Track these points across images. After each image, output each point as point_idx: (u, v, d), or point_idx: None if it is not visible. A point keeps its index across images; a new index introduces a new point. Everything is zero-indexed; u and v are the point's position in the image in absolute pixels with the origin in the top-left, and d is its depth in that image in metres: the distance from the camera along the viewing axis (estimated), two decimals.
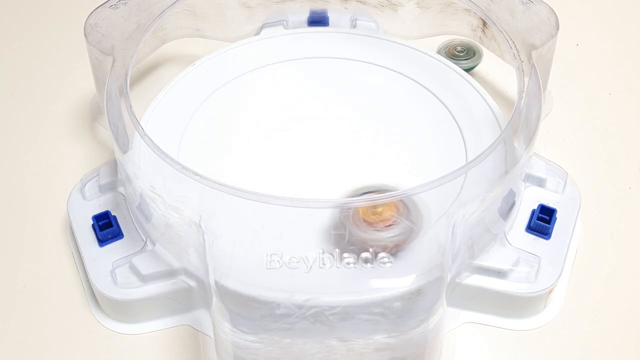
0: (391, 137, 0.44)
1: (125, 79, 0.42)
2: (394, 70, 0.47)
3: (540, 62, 0.43)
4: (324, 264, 0.36)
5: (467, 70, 0.49)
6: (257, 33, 0.51)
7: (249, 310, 0.34)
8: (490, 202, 0.38)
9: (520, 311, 0.40)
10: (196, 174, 0.36)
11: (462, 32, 0.50)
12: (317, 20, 0.52)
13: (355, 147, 0.43)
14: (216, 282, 0.35)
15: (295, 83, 0.47)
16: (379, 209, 0.37)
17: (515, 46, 0.43)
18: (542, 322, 0.40)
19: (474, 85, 0.46)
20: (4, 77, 0.54)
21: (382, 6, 0.51)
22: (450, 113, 0.45)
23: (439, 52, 0.51)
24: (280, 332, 0.34)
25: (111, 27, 0.45)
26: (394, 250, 0.36)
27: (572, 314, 0.41)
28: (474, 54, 0.51)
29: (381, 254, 0.36)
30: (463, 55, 0.51)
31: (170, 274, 0.39)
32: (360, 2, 0.51)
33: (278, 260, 0.36)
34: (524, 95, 0.41)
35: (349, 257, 0.36)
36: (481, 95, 0.45)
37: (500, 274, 0.39)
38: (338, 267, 0.36)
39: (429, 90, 0.46)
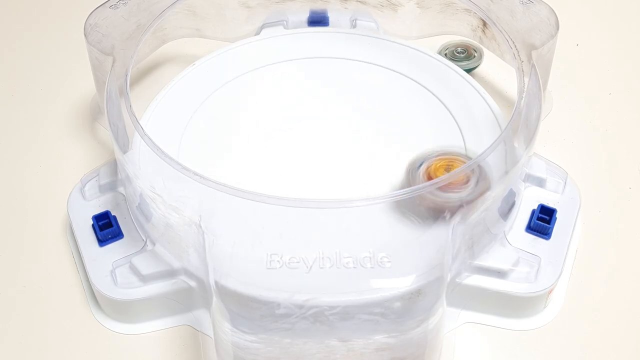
0: (391, 137, 0.44)
1: (125, 79, 0.42)
2: (394, 70, 0.47)
3: (540, 62, 0.43)
4: (324, 264, 0.36)
5: (468, 71, 0.49)
6: (257, 33, 0.51)
7: (249, 310, 0.34)
8: (491, 202, 0.38)
9: (520, 311, 0.40)
10: (196, 174, 0.36)
11: (462, 32, 0.50)
12: (317, 20, 0.52)
13: (355, 147, 0.43)
14: (216, 282, 0.35)
15: (295, 83, 0.47)
16: (452, 169, 0.39)
17: (515, 46, 0.43)
18: (542, 322, 0.40)
19: (474, 85, 0.46)
20: (4, 77, 0.54)
21: (382, 6, 0.51)
22: (450, 113, 0.45)
23: (439, 54, 0.51)
24: (280, 332, 0.34)
25: (111, 27, 0.45)
26: (465, 210, 0.36)
27: (572, 314, 0.41)
28: (475, 56, 0.51)
29: (381, 254, 0.36)
30: (464, 57, 0.51)
31: (170, 274, 0.39)
32: (360, 2, 0.51)
33: (278, 260, 0.36)
34: (524, 95, 0.41)
35: (348, 257, 0.36)
36: (481, 95, 0.45)
37: (500, 274, 0.39)
38: (338, 267, 0.36)
39: (429, 90, 0.46)
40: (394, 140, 0.44)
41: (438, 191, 0.37)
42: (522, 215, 0.42)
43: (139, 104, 0.44)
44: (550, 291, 0.40)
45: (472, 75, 0.48)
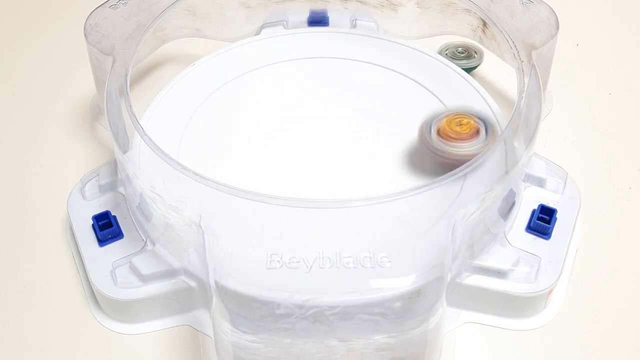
0: (391, 137, 0.44)
1: (125, 79, 0.42)
2: (394, 70, 0.48)
3: (540, 62, 0.43)
4: (323, 264, 0.36)
5: (468, 71, 0.49)
6: (257, 33, 0.51)
7: (249, 310, 0.34)
8: (491, 202, 0.38)
9: (520, 311, 0.40)
10: (196, 174, 0.36)
11: (462, 32, 0.50)
12: (317, 20, 0.52)
13: (355, 147, 0.43)
14: (216, 282, 0.35)
15: (295, 83, 0.47)
16: (464, 121, 0.42)
17: (515, 46, 0.43)
18: (542, 322, 0.40)
19: (474, 85, 0.46)
20: (4, 77, 0.54)
21: (382, 6, 0.51)
22: None
23: (439, 54, 0.51)
24: (280, 332, 0.34)
25: (111, 27, 0.45)
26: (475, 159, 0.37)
27: (572, 314, 0.41)
28: (475, 56, 0.51)
29: (381, 254, 0.36)
30: (464, 57, 0.51)
31: (170, 274, 0.39)
32: (360, 2, 0.51)
33: (278, 260, 0.36)
34: (524, 95, 0.41)
35: (348, 257, 0.36)
36: (481, 95, 0.45)
37: (500, 274, 0.39)
38: (338, 267, 0.36)
39: (429, 90, 0.46)
40: (394, 140, 0.44)
41: (450, 147, 0.40)
42: (522, 215, 0.42)
43: (139, 104, 0.44)
44: (550, 291, 0.40)
45: (472, 75, 0.48)
